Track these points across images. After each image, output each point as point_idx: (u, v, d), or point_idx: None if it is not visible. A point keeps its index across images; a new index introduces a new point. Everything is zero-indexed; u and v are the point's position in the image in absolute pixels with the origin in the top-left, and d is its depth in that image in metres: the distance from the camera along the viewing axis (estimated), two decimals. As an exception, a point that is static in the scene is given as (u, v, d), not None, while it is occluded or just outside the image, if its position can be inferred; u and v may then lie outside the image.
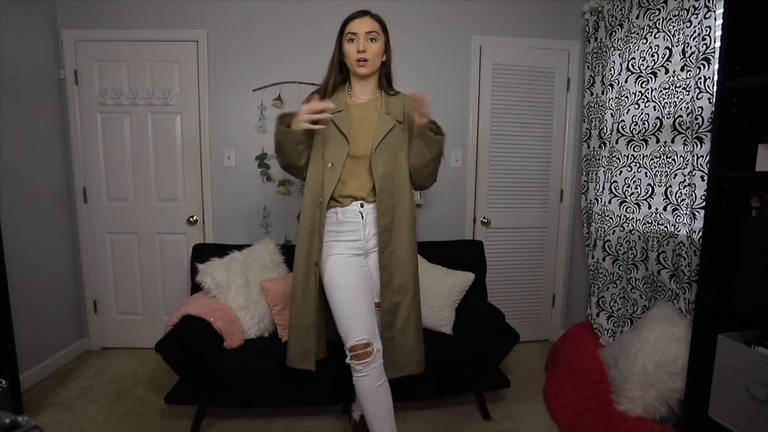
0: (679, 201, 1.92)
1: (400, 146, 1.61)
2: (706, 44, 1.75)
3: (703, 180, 1.76)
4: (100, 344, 2.80)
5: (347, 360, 1.54)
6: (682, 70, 1.90)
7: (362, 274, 1.60)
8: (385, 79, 1.66)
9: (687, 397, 1.65)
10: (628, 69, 2.22)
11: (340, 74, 1.64)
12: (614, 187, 2.33)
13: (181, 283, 2.75)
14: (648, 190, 2.11)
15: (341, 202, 1.60)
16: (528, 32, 2.74)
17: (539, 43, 2.74)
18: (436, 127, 1.54)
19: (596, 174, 2.48)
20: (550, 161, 2.86)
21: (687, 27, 1.85)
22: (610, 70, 2.36)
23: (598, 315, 2.43)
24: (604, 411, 1.83)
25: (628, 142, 2.23)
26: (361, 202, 1.60)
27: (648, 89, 2.10)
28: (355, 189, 1.60)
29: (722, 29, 1.49)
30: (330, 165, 1.56)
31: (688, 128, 1.87)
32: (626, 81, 2.23)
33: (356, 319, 1.53)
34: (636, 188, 2.18)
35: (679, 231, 1.91)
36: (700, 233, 1.72)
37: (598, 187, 2.46)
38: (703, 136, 1.76)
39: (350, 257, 1.60)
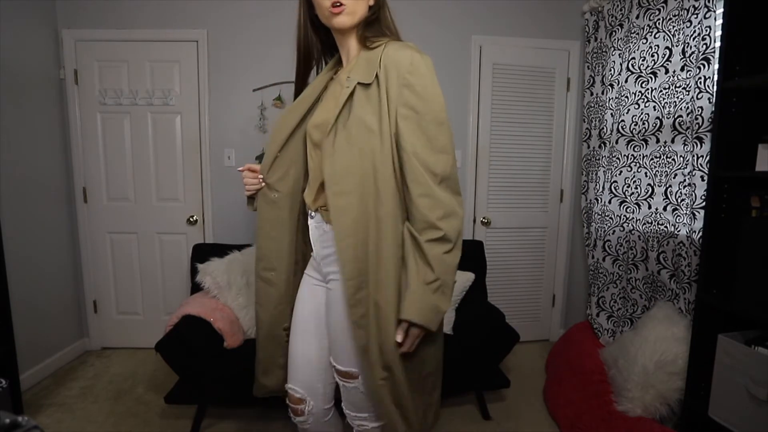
0: (679, 201, 1.92)
1: (376, 122, 0.99)
2: (706, 44, 1.75)
3: (703, 180, 1.76)
4: (100, 344, 2.80)
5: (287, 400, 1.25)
6: (682, 70, 1.90)
7: (314, 311, 1.19)
8: (367, 28, 1.08)
9: (687, 397, 1.65)
10: (628, 69, 2.22)
11: (316, 37, 1.16)
12: (614, 187, 2.33)
13: (181, 283, 2.75)
14: (648, 190, 2.11)
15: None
16: (528, 32, 2.74)
17: (539, 43, 2.74)
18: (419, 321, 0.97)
19: (596, 174, 2.48)
20: (550, 161, 2.85)
21: (687, 27, 1.85)
22: (610, 70, 2.36)
23: (598, 315, 2.43)
24: (604, 411, 1.82)
25: (628, 142, 2.22)
26: (311, 210, 1.16)
27: (648, 89, 2.10)
28: (306, 190, 1.19)
29: (722, 29, 1.49)
30: None
31: (688, 128, 1.87)
32: (626, 81, 2.23)
33: (293, 363, 1.21)
34: (636, 188, 2.18)
35: (679, 231, 1.91)
36: (700, 233, 1.72)
37: (598, 187, 2.46)
38: (703, 136, 1.76)
39: (312, 284, 1.22)
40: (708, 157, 1.71)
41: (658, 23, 2.03)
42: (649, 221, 2.09)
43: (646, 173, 2.12)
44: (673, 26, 1.95)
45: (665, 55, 2.00)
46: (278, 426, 1.99)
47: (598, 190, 2.46)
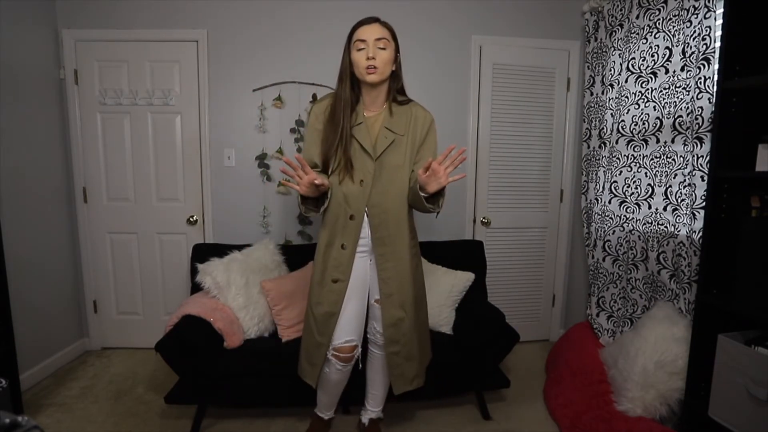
0: (679, 201, 1.92)
1: (401, 160, 1.57)
2: (706, 44, 1.75)
3: (703, 180, 1.76)
4: (100, 344, 2.80)
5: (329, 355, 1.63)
6: (682, 70, 1.90)
7: (363, 276, 1.66)
8: (396, 92, 1.63)
9: (687, 397, 1.65)
10: (628, 69, 2.22)
11: (351, 90, 1.56)
12: (614, 187, 2.33)
13: (181, 283, 2.75)
14: (648, 190, 2.11)
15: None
16: (528, 32, 2.74)
17: (539, 43, 2.74)
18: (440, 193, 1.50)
19: (596, 174, 2.48)
20: (550, 161, 2.85)
21: (687, 27, 1.85)
22: (610, 70, 2.36)
23: (598, 315, 2.43)
24: (604, 411, 1.83)
25: (628, 142, 2.22)
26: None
27: (648, 89, 2.10)
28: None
29: (722, 29, 1.49)
30: (360, 181, 1.55)
31: (688, 128, 1.87)
32: (626, 81, 2.23)
33: (349, 319, 1.62)
34: (636, 188, 2.18)
35: (679, 231, 1.91)
36: (700, 233, 1.72)
37: (598, 187, 2.46)
38: (703, 136, 1.76)
39: (361, 257, 1.66)
40: (708, 157, 1.72)
41: (658, 23, 2.03)
42: (649, 221, 2.09)
43: (646, 173, 2.12)
44: (673, 26, 1.95)
45: (665, 55, 2.00)
46: (278, 426, 1.99)
47: (598, 190, 2.46)
